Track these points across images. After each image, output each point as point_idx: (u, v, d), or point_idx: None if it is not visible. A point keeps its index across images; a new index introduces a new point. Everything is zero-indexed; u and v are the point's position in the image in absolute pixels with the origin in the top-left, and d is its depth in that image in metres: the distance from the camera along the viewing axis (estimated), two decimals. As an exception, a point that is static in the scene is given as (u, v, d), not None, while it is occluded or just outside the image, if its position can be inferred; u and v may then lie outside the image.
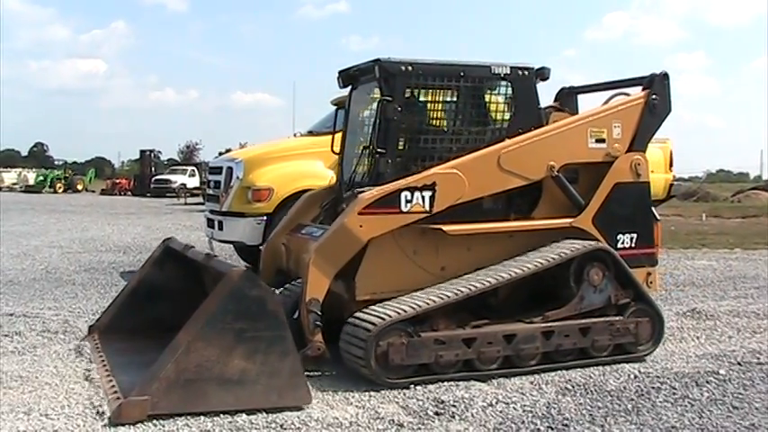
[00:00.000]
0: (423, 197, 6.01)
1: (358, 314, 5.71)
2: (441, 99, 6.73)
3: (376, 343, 5.44)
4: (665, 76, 6.89)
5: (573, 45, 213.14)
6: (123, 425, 4.65)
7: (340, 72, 7.02)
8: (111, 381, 5.44)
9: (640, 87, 6.98)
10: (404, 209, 5.96)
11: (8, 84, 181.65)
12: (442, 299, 5.69)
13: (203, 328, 4.90)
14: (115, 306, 7.11)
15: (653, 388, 5.63)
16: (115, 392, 5.10)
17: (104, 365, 5.88)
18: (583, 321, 6.17)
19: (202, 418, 4.79)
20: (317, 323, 5.68)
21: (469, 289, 5.78)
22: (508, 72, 6.56)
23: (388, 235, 6.04)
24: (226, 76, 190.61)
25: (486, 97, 6.79)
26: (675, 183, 11.87)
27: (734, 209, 32.22)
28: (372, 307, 5.75)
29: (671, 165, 11.56)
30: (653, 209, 10.50)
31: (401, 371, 5.56)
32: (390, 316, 5.52)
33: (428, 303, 5.64)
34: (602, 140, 6.70)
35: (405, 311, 5.56)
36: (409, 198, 5.98)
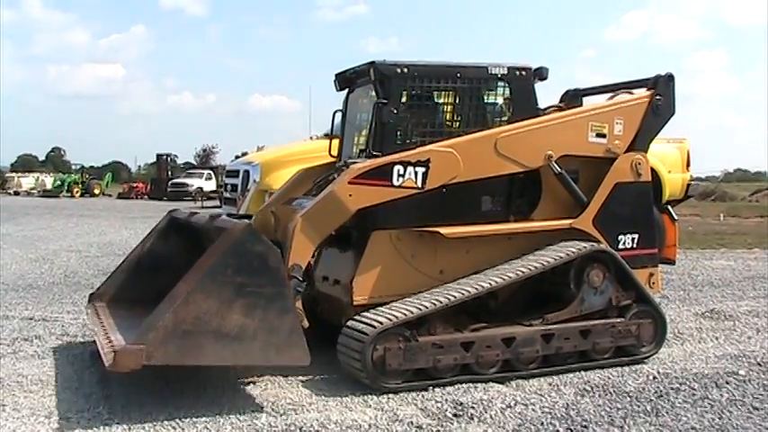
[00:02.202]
0: (416, 173, 5.94)
1: (355, 318, 5.67)
2: (437, 101, 6.68)
3: (373, 347, 5.40)
4: (669, 77, 6.83)
5: (592, 45, 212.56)
6: (120, 373, 4.67)
7: (336, 75, 6.99)
8: (108, 338, 5.37)
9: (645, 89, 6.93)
10: (395, 183, 5.90)
11: (27, 89, 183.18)
12: (439, 302, 5.63)
13: (204, 279, 4.86)
14: (117, 277, 7.02)
15: (672, 389, 5.60)
16: (112, 346, 5.04)
17: (103, 328, 5.78)
18: (583, 324, 6.12)
19: (221, 420, 4.83)
20: (298, 289, 5.59)
21: (467, 292, 5.73)
22: (505, 72, 6.51)
23: (386, 238, 6.02)
24: (243, 80, 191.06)
25: (484, 98, 6.74)
26: (693, 182, 11.83)
27: (752, 208, 32.06)
28: (369, 311, 5.71)
29: (688, 164, 11.52)
30: (670, 209, 10.49)
31: (398, 376, 5.51)
32: (387, 320, 5.47)
33: (426, 307, 5.58)
34: (603, 135, 6.63)
35: (402, 315, 5.51)
36: (402, 172, 5.91)
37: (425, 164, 5.96)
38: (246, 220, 5.19)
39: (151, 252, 7.05)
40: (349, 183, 5.83)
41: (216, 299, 4.84)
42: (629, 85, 7.24)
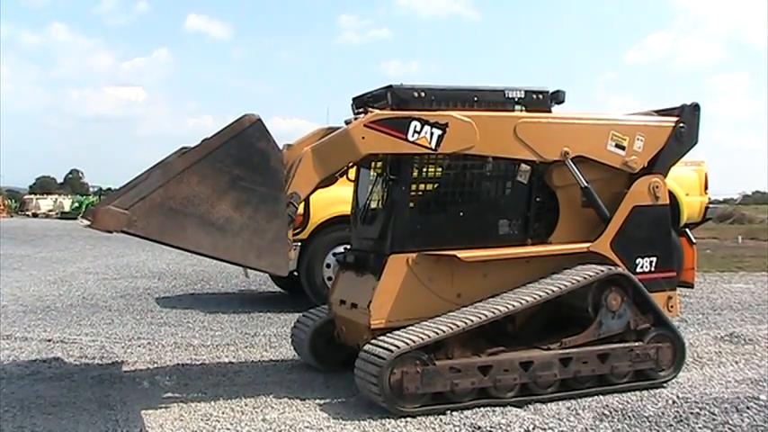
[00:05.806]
0: (432, 133, 5.93)
1: (372, 342, 5.65)
2: None
3: (390, 371, 5.37)
4: (695, 107, 6.82)
5: (613, 68, 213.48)
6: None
7: (354, 99, 7.01)
8: None
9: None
10: (410, 138, 5.88)
11: (48, 112, 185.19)
12: (457, 326, 5.60)
13: (202, 162, 4.80)
14: (112, 196, 6.82)
15: (692, 414, 5.54)
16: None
17: None
18: (601, 347, 6.07)
19: (239, 444, 4.82)
20: (292, 216, 5.50)
21: (485, 316, 5.69)
22: (522, 96, 6.49)
23: (403, 262, 6.00)
24: (264, 103, 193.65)
25: None
26: (711, 205, 11.80)
27: (771, 231, 31.76)
28: (387, 335, 5.69)
29: (706, 187, 11.50)
30: (688, 232, 10.43)
31: (416, 399, 5.47)
32: (405, 344, 5.45)
33: (443, 331, 5.55)
34: (622, 147, 6.59)
35: (419, 339, 5.48)
36: (418, 129, 5.90)
37: (443, 127, 5.96)
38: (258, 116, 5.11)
39: None
40: (365, 125, 5.83)
41: (209, 185, 4.80)
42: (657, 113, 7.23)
